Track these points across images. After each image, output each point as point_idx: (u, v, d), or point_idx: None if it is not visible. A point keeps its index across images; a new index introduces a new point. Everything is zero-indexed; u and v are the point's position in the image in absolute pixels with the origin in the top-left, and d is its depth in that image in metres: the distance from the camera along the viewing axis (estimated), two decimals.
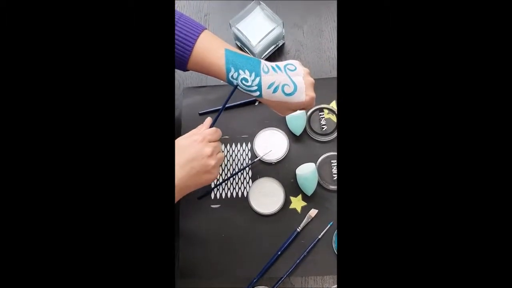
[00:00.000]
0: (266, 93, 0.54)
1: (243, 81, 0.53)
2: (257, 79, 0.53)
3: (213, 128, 0.57)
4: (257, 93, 0.54)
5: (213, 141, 0.56)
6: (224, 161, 0.71)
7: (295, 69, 0.54)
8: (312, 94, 0.55)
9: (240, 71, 0.53)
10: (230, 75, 0.53)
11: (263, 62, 0.54)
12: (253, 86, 0.53)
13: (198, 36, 0.54)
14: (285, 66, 0.54)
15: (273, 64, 0.55)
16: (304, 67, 0.56)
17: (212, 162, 0.54)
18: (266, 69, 0.53)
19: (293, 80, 0.53)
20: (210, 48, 0.54)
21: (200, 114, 0.74)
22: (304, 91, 0.54)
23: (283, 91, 0.53)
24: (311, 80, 0.56)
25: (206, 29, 0.56)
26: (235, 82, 0.54)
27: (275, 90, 0.53)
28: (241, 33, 0.70)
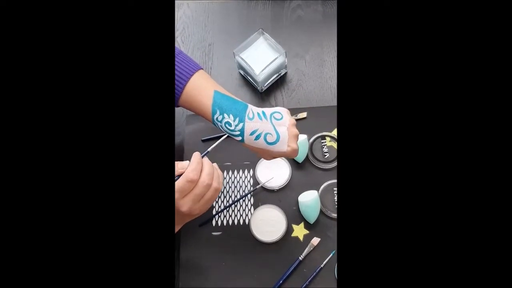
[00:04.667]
0: (248, 139, 0.54)
1: (227, 125, 0.53)
2: (240, 125, 0.53)
3: (185, 177, 0.49)
4: (239, 138, 0.54)
5: (191, 189, 0.49)
6: (226, 187, 0.71)
7: (281, 118, 0.54)
8: (294, 146, 0.54)
9: (225, 115, 0.53)
10: (215, 117, 0.54)
11: (250, 107, 0.54)
12: (235, 131, 0.54)
13: (191, 75, 0.55)
14: (271, 114, 0.54)
15: (260, 110, 0.54)
16: (291, 117, 0.55)
17: (196, 212, 0.51)
18: (251, 116, 0.53)
19: (276, 130, 0.53)
20: (200, 88, 0.55)
21: (203, 141, 0.74)
22: (286, 142, 0.53)
23: (265, 139, 0.53)
24: (296, 131, 0.55)
25: (201, 69, 0.57)
26: (219, 124, 0.54)
27: (257, 138, 0.53)
28: (245, 62, 0.72)
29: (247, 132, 0.53)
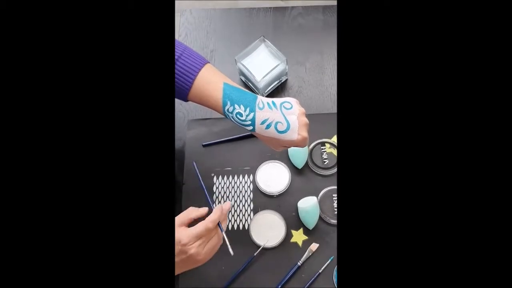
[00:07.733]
0: (259, 128, 0.55)
1: (238, 115, 0.55)
2: (251, 115, 0.54)
3: (205, 225, 0.52)
4: (251, 128, 0.55)
5: (200, 238, 0.53)
6: (226, 192, 0.72)
7: (291, 107, 0.55)
8: (304, 134, 0.55)
9: (236, 106, 0.54)
10: (226, 108, 0.55)
11: (260, 98, 0.55)
12: (246, 121, 0.55)
13: (200, 69, 0.56)
14: (281, 104, 0.55)
15: (270, 100, 0.55)
16: (300, 107, 0.56)
17: (200, 257, 0.53)
18: (261, 105, 0.55)
19: (286, 119, 0.54)
20: (210, 81, 0.56)
21: (204, 146, 0.75)
22: (296, 131, 0.55)
23: (275, 128, 0.54)
24: (305, 120, 0.56)
25: (208, 62, 0.58)
26: (230, 115, 0.55)
27: (268, 127, 0.54)
28: (246, 68, 0.72)
29: (258, 121, 0.54)
